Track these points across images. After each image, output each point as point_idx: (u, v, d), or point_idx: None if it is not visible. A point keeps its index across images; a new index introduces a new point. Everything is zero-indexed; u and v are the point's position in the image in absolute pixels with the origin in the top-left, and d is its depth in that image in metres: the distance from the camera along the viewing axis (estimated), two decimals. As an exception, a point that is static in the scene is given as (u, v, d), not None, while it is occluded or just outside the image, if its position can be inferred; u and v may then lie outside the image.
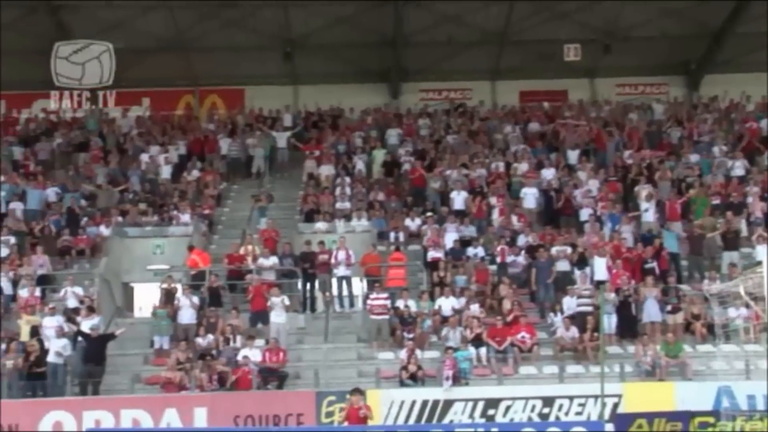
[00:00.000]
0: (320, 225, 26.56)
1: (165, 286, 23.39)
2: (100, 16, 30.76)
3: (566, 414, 19.79)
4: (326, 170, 29.33)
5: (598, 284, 22.40)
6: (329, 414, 19.68)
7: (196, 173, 29.57)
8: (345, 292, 24.18)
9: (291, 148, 31.14)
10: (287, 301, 22.72)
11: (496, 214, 26.68)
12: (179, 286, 23.47)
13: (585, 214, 26.28)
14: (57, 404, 19.66)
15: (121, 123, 33.05)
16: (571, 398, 19.93)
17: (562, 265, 23.71)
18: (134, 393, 20.51)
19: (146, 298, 26.10)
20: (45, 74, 32.81)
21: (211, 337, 21.60)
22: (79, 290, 23.19)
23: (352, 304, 24.11)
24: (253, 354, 20.97)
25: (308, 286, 24.27)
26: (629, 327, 22.28)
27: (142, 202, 27.88)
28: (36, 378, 20.21)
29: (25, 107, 34.15)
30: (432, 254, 24.54)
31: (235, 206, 29.19)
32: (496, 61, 34.24)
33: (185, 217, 26.80)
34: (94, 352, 20.87)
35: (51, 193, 27.90)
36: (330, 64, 33.47)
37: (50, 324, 21.60)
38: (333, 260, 23.99)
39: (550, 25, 32.09)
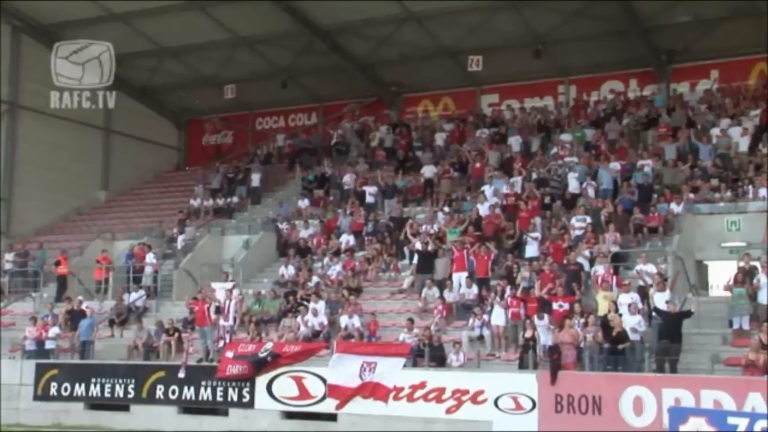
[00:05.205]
0: None
1: (742, 263, 22.33)
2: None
3: None
4: None
5: None
6: None
7: (772, 145, 27.94)
8: None
9: None
10: None
11: None
12: (758, 264, 22.21)
13: None
14: (636, 379, 19.70)
15: (689, 98, 32.53)
16: None
17: None
18: (713, 373, 19.75)
19: (721, 276, 25.18)
20: (613, 56, 33.88)
21: (800, 317, 20.14)
22: (651, 268, 23.13)
23: None
24: None
25: None
26: None
27: (713, 177, 27.06)
28: (616, 353, 20.52)
29: (594, 90, 35.25)
30: None
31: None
32: None
33: (762, 192, 25.34)
34: (669, 329, 20.59)
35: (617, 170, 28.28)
36: None
37: (624, 301, 21.87)
38: None
39: None
